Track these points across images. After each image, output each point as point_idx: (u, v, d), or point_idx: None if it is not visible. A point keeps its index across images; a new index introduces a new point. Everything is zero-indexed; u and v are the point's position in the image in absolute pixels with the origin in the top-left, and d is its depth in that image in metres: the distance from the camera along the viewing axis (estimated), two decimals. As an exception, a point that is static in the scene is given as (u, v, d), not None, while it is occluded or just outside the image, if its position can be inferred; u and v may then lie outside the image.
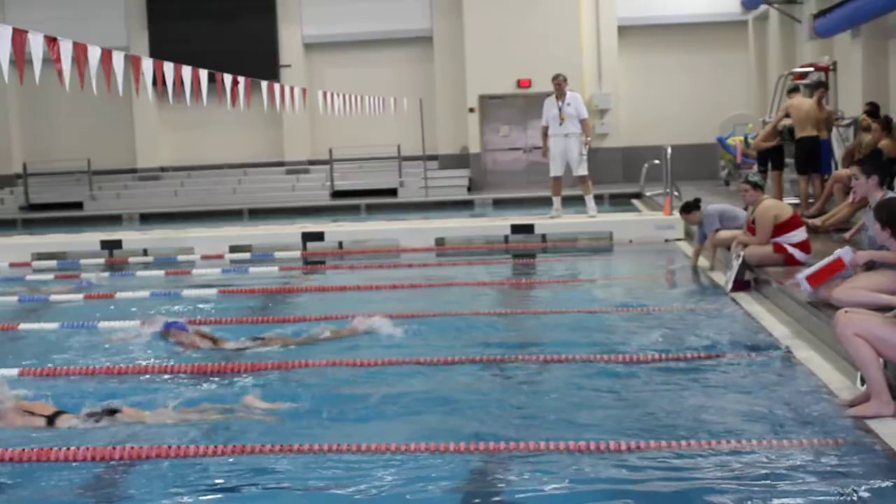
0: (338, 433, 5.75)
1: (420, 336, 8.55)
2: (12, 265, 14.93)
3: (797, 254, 9.80)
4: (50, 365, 7.76)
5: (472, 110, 26.07)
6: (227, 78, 15.13)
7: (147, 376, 7.44)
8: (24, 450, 5.53)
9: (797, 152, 14.44)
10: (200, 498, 4.97)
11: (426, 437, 5.55)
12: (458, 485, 4.98)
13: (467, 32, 25.71)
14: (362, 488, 4.94)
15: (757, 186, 10.35)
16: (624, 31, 25.90)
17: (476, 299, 10.73)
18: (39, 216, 24.84)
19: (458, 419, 6.04)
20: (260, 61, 25.85)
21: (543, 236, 15.50)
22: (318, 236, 15.75)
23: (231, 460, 5.37)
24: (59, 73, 10.65)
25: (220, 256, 14.78)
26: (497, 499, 4.84)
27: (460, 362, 7.42)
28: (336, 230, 16.39)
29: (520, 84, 25.69)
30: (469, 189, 25.64)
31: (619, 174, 25.15)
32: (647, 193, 19.47)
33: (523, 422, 5.97)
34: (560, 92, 15.87)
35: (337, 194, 25.57)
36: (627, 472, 5.05)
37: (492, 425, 5.89)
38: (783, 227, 9.91)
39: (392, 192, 25.57)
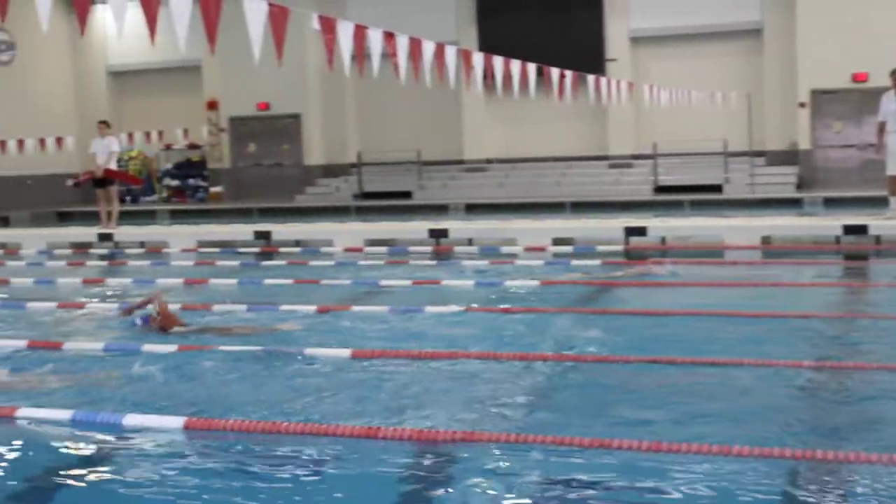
0: (665, 432, 5.68)
1: (744, 336, 8.32)
2: (346, 250, 15.69)
3: None
4: (379, 347, 8.05)
5: (802, 105, 25.15)
6: (555, 72, 15.28)
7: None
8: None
9: None
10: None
11: (749, 441, 5.38)
12: (777, 491, 4.81)
13: (800, 25, 24.82)
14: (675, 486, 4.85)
15: None
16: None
17: (803, 301, 10.34)
18: (371, 204, 25.96)
19: (775, 425, 5.83)
20: (586, 55, 25.96)
21: (878, 238, 14.73)
22: (641, 231, 15.62)
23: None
24: (395, 66, 11.08)
25: (543, 248, 14.93)
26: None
27: (785, 366, 7.16)
28: (659, 225, 16.21)
29: (855, 78, 24.54)
30: (798, 187, 24.76)
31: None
32: None
33: (859, 432, 5.70)
34: (899, 86, 15.08)
35: (660, 189, 25.31)
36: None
37: (819, 433, 5.66)
38: None
39: (716, 188, 25.04)
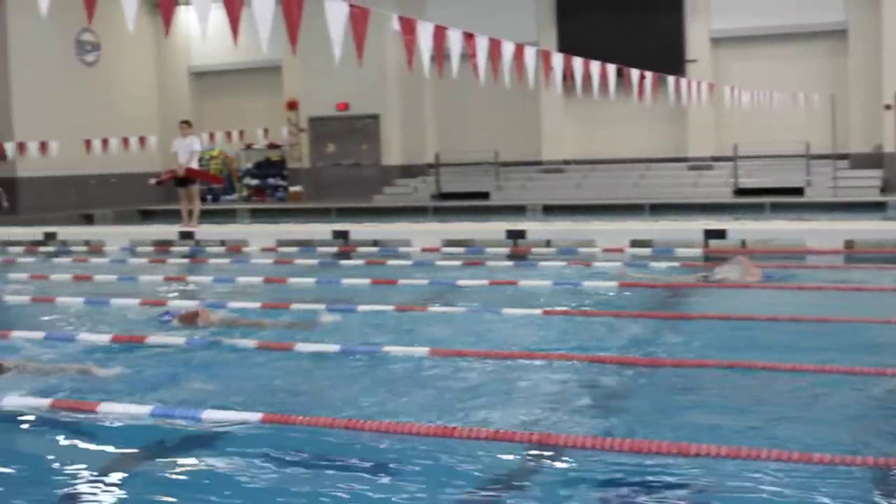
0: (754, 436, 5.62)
1: (826, 341, 8.20)
2: (424, 250, 15.74)
3: None
4: (456, 347, 8.07)
5: (888, 107, 24.71)
6: (635, 73, 15.20)
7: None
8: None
9: None
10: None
11: (830, 448, 5.30)
12: (858, 499, 4.72)
13: (886, 25, 24.41)
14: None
15: None
16: None
17: (887, 306, 10.15)
18: (449, 204, 26.00)
19: (857, 433, 5.73)
20: (666, 56, 25.80)
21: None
22: (721, 234, 15.45)
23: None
24: (475, 67, 11.09)
25: (621, 250, 14.84)
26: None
27: (868, 373, 7.03)
28: (739, 228, 16.01)
29: (945, 80, 24.09)
30: (882, 190, 24.31)
31: None
32: None
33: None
34: None
35: (740, 192, 25.03)
36: None
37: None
38: None
39: (798, 191, 24.70)
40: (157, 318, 9.68)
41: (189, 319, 9.42)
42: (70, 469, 5.37)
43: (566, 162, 28.59)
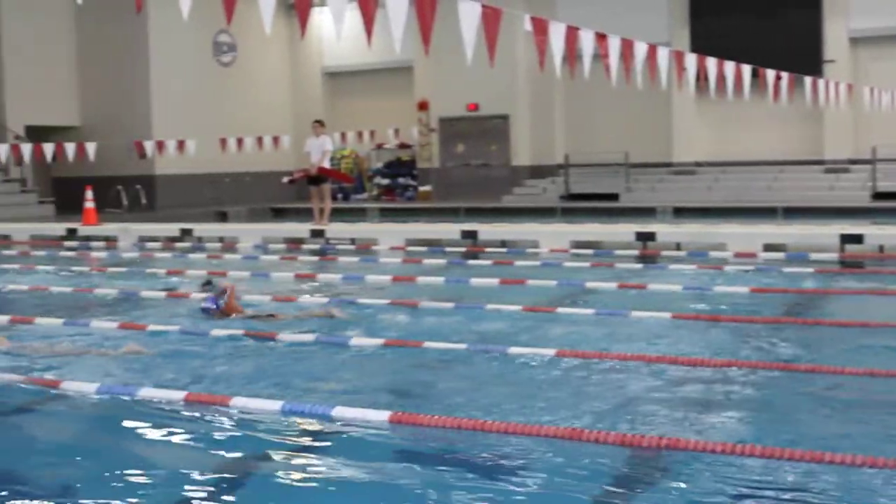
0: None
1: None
2: (552, 251, 15.69)
3: None
4: (583, 349, 8.02)
5: None
6: (770, 73, 14.92)
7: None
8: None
9: None
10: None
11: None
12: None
13: None
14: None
15: None
16: None
17: None
18: (577, 206, 25.89)
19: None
20: (802, 56, 25.28)
21: None
22: (858, 239, 15.04)
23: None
24: (606, 68, 11.03)
25: (753, 254, 14.58)
26: None
27: None
28: (877, 233, 15.57)
29: None
30: None
31: None
32: None
33: None
34: None
35: (879, 196, 24.34)
36: None
37: None
38: None
39: (939, 194, 23.96)
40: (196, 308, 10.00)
41: (225, 309, 9.68)
42: (200, 462, 5.49)
43: (697, 163, 28.21)
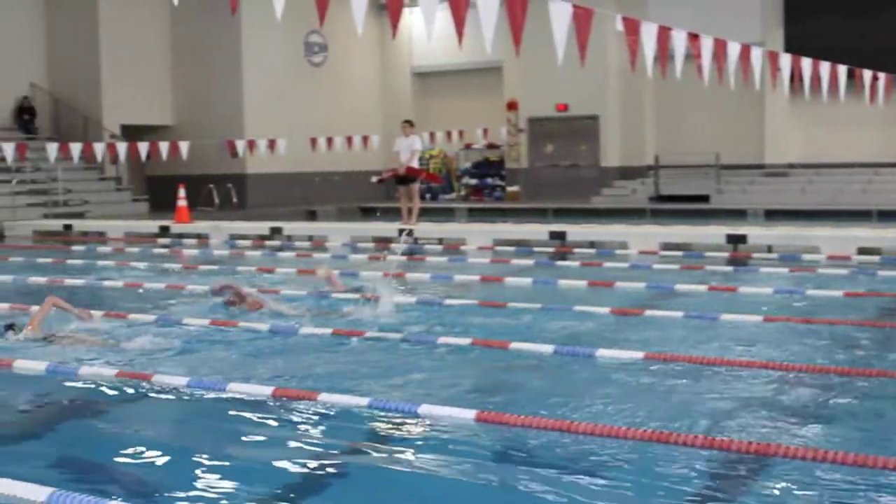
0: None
1: None
2: (641, 253, 15.57)
3: None
4: (672, 352, 7.94)
5: None
6: (867, 74, 14.65)
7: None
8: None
9: None
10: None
11: None
12: None
13: None
14: None
15: None
16: None
17: None
18: (667, 207, 25.64)
19: None
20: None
21: None
22: (955, 242, 14.72)
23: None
24: (699, 68, 10.92)
25: (847, 258, 14.32)
26: None
27: None
28: (976, 238, 15.23)
29: None
30: None
31: None
32: None
33: None
34: None
35: (978, 199, 23.77)
36: None
37: None
38: None
39: None
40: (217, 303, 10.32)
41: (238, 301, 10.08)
42: (287, 456, 5.55)
43: (790, 165, 27.78)
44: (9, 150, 21.93)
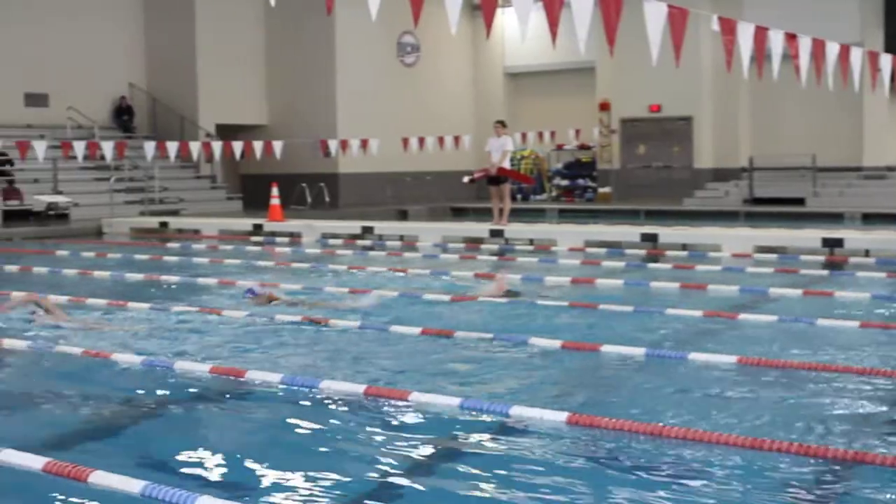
0: None
1: None
2: (734, 255, 15.36)
3: None
4: (767, 356, 7.83)
5: None
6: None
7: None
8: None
9: None
10: None
11: None
12: None
13: None
14: None
15: None
16: None
17: None
18: (761, 210, 25.30)
19: None
20: None
21: None
22: None
23: None
24: (797, 68, 10.75)
25: (949, 263, 14.01)
26: None
27: None
28: None
29: None
30: None
31: None
32: None
33: None
34: None
35: None
36: None
37: None
38: None
39: None
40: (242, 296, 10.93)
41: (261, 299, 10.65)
42: (379, 455, 5.59)
43: (889, 168, 27.20)
44: (108, 148, 22.37)
